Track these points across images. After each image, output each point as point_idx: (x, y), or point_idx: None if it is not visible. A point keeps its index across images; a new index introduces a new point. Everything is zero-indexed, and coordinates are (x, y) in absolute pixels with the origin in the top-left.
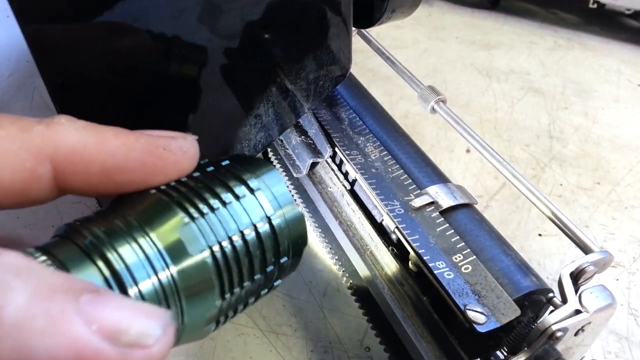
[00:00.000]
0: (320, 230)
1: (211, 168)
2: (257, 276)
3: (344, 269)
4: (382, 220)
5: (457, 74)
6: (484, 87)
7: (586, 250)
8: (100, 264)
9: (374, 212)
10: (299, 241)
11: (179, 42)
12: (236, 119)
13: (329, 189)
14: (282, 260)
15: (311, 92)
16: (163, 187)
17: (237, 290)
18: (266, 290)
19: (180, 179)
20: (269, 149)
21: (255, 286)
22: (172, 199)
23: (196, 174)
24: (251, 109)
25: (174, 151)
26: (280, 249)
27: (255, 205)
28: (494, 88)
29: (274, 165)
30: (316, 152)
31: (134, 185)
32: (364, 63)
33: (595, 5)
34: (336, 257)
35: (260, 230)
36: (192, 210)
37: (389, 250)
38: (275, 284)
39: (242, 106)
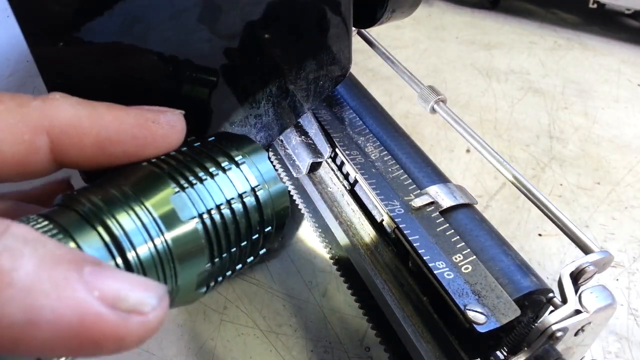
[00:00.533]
0: (320, 231)
1: (198, 144)
2: (244, 243)
3: (343, 270)
4: (382, 220)
5: (457, 74)
6: (484, 87)
7: (586, 250)
8: (100, 229)
9: (374, 212)
10: (282, 212)
11: (179, 44)
12: (236, 119)
13: (328, 189)
14: (266, 229)
15: (311, 92)
16: (154, 160)
17: (225, 255)
18: (252, 257)
19: (169, 153)
20: (269, 149)
21: (242, 252)
22: (163, 170)
23: (184, 149)
24: (251, 109)
25: (163, 124)
26: (265, 219)
27: (241, 177)
28: (494, 88)
29: (259, 144)
30: (316, 152)
31: (125, 157)
32: (364, 63)
33: (595, 5)
34: (336, 257)
35: (246, 200)
36: (182, 181)
37: (389, 250)
38: (261, 252)
39: (242, 106)
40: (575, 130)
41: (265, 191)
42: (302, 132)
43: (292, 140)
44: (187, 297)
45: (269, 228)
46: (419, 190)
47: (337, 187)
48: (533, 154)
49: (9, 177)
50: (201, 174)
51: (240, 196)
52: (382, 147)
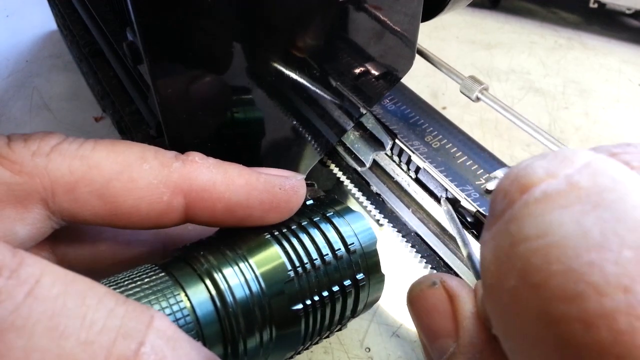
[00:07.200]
0: (387, 220)
1: (317, 218)
2: (333, 327)
3: (421, 255)
4: (456, 204)
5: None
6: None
7: None
8: (212, 290)
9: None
10: (374, 302)
11: (267, 72)
12: (299, 125)
13: (392, 180)
14: (352, 317)
15: (376, 92)
16: (276, 233)
17: (316, 339)
18: (328, 334)
19: (289, 225)
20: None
21: (327, 333)
22: (282, 246)
23: (304, 222)
24: (315, 112)
25: (288, 190)
26: (358, 309)
27: (350, 267)
28: (494, 88)
29: (368, 224)
30: (378, 144)
31: (251, 220)
32: None
33: (595, 5)
34: (410, 245)
35: (348, 290)
36: (297, 266)
37: (469, 233)
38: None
39: (305, 111)
40: (576, 130)
41: (366, 284)
42: (360, 127)
43: (349, 136)
44: None
45: (356, 314)
46: (487, 175)
47: (401, 177)
48: (534, 154)
49: (140, 227)
50: (316, 260)
51: (344, 287)
52: (441, 136)
